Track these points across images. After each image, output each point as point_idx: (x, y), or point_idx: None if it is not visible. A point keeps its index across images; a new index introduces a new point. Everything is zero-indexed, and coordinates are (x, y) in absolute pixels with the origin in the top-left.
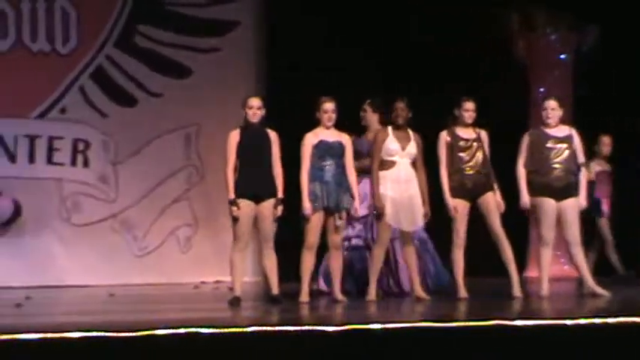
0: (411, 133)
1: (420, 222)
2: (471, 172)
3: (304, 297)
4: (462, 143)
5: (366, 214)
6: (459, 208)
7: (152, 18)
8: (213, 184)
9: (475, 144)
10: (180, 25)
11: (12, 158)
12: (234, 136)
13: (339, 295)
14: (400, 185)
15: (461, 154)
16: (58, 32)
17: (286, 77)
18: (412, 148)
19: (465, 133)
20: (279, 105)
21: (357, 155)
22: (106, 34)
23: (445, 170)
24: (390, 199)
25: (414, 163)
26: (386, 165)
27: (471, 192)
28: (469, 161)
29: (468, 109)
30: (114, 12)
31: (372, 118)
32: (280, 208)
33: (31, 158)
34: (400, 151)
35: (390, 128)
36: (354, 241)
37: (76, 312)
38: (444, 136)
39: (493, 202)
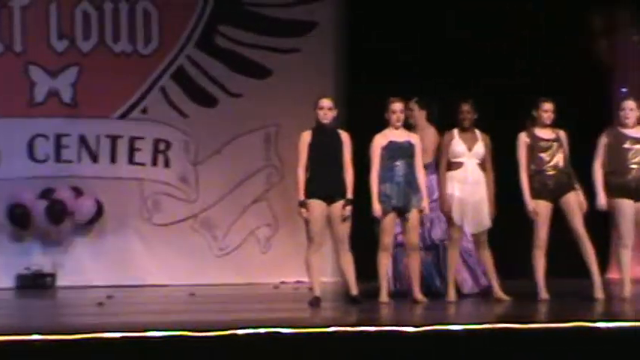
0: (478, 133)
1: (485, 224)
2: (552, 172)
3: (383, 297)
4: (542, 144)
5: None
6: (541, 209)
7: (232, 18)
8: (292, 184)
9: (555, 144)
10: (260, 26)
11: (94, 158)
12: (306, 137)
13: (418, 296)
14: (467, 186)
15: (541, 155)
16: (139, 33)
17: (364, 77)
18: (479, 148)
19: (545, 133)
20: (357, 105)
21: None
22: (187, 34)
23: (525, 173)
24: (457, 199)
25: (483, 165)
26: (453, 166)
27: (553, 192)
28: (550, 162)
29: (547, 110)
30: (195, 13)
31: (419, 115)
32: (349, 209)
33: (113, 158)
34: (467, 152)
35: (455, 130)
36: (399, 238)
37: (157, 311)
38: (523, 138)
39: (575, 202)
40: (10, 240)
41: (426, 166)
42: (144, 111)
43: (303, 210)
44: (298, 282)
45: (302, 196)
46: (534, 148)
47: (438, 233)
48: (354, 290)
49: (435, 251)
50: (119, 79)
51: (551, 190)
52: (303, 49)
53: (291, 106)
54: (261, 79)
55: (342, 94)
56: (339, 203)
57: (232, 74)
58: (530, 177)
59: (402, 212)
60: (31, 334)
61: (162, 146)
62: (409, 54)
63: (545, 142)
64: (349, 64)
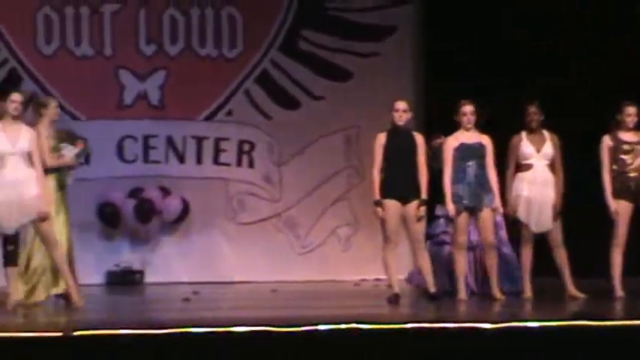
0: (546, 134)
1: (548, 225)
2: (634, 174)
3: (462, 295)
4: (625, 147)
5: None
6: (622, 209)
7: (315, 23)
8: (371, 185)
9: (638, 147)
10: (342, 30)
11: (181, 159)
12: (381, 139)
13: (497, 293)
14: (536, 187)
15: (624, 157)
16: (225, 37)
17: (441, 80)
18: (548, 149)
19: (628, 136)
20: (436, 108)
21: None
22: (271, 38)
23: (608, 174)
24: (524, 198)
25: (552, 165)
26: (523, 168)
27: (634, 193)
28: (632, 164)
29: (630, 114)
30: (278, 17)
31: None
32: (423, 209)
33: (199, 159)
34: (535, 154)
35: (523, 132)
36: (441, 237)
37: (241, 307)
38: (607, 140)
39: None
40: (101, 238)
41: None
42: (229, 113)
43: (379, 209)
44: (377, 280)
45: (377, 196)
46: (617, 150)
47: (476, 235)
48: (432, 288)
49: (472, 252)
50: (205, 83)
51: (633, 191)
52: (383, 52)
53: (371, 108)
54: (343, 82)
55: (420, 97)
56: (414, 203)
57: (314, 77)
58: (613, 178)
59: (474, 212)
60: (120, 328)
61: (246, 147)
62: (484, 56)
63: (629, 144)
64: (427, 67)
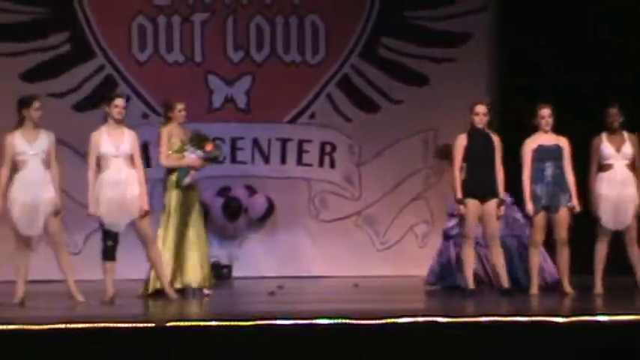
0: (625, 135)
1: (625, 222)
2: None
3: (534, 289)
4: None
5: None
6: None
7: (394, 30)
8: (448, 185)
9: None
10: (420, 37)
11: (266, 159)
12: (461, 140)
13: (567, 288)
14: (615, 185)
15: None
16: (308, 44)
17: (517, 84)
18: (627, 149)
19: None
20: (512, 112)
21: None
22: (352, 45)
23: None
24: (603, 197)
25: (632, 165)
26: (603, 168)
27: None
28: None
29: None
30: (359, 25)
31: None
32: (503, 208)
33: (283, 159)
34: (615, 154)
35: (604, 134)
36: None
37: (324, 300)
38: None
39: None
40: None
41: None
42: (312, 116)
43: (461, 207)
44: None
45: (459, 195)
46: None
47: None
48: (506, 283)
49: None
50: (289, 87)
51: None
52: (459, 58)
53: (447, 111)
54: (420, 86)
55: (496, 100)
56: (493, 202)
57: (393, 82)
58: None
59: (551, 211)
60: (210, 320)
61: (328, 149)
62: (559, 58)
63: None
64: (502, 70)
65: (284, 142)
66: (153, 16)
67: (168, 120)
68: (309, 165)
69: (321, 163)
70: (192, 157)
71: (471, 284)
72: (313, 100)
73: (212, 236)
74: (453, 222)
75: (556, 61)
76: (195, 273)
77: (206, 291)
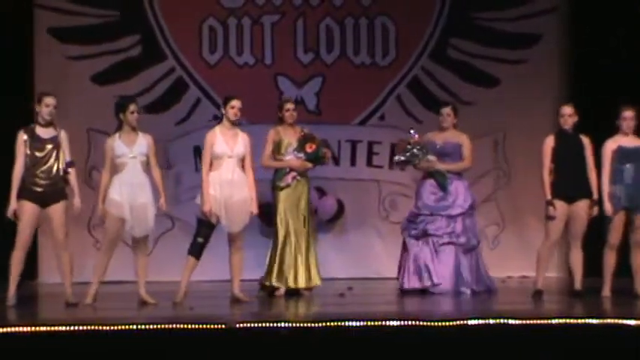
0: None
1: None
2: None
3: (606, 292)
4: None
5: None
6: None
7: (463, 32)
8: (519, 186)
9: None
10: (489, 39)
11: (336, 161)
12: (549, 142)
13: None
14: None
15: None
16: (378, 46)
17: (590, 87)
18: None
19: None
20: (584, 113)
21: None
22: (422, 47)
23: None
24: None
25: None
26: None
27: None
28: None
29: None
30: (429, 27)
31: (452, 120)
32: (596, 209)
33: (353, 161)
34: None
35: None
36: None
37: (393, 302)
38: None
39: None
40: (261, 235)
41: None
42: (382, 118)
43: (551, 208)
44: (523, 277)
45: (549, 196)
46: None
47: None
48: (578, 285)
49: (470, 253)
50: (359, 89)
51: None
52: (530, 59)
53: (518, 113)
54: (490, 87)
55: (567, 101)
56: (582, 202)
57: (463, 83)
58: None
59: (631, 212)
60: (281, 321)
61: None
62: (630, 63)
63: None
64: (572, 73)
65: (354, 143)
66: (223, 19)
67: (279, 120)
68: (379, 167)
69: (390, 165)
70: (289, 158)
71: (540, 284)
72: (383, 101)
73: None
74: (406, 222)
75: (627, 62)
76: (301, 274)
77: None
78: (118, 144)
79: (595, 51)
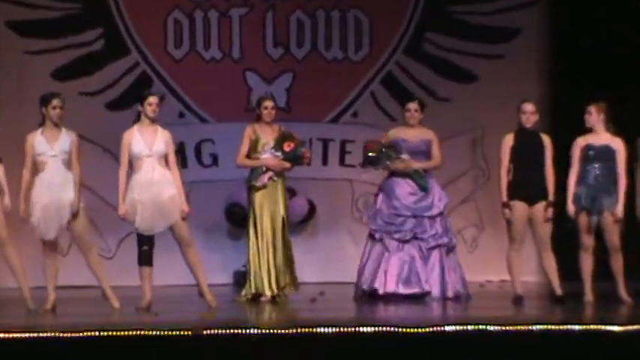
0: None
1: None
2: None
3: (588, 296)
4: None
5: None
6: None
7: (439, 25)
8: (498, 186)
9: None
10: (466, 33)
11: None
12: (508, 140)
13: (624, 295)
14: None
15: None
16: (350, 40)
17: (567, 81)
18: None
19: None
20: (563, 109)
21: None
22: (396, 41)
23: None
24: None
25: None
26: None
27: None
28: None
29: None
30: (403, 20)
31: (418, 116)
32: (551, 211)
33: (325, 160)
34: None
35: None
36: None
37: (366, 308)
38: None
39: None
40: (229, 238)
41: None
42: (354, 115)
43: (507, 211)
44: (503, 281)
45: (505, 198)
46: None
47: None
48: (558, 290)
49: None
50: (331, 85)
51: None
52: (508, 54)
53: (496, 110)
54: (468, 83)
55: (546, 98)
56: (541, 205)
57: (439, 79)
58: None
59: (591, 214)
60: (247, 328)
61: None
62: (612, 58)
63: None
64: (552, 69)
65: (325, 142)
66: (189, 11)
67: (257, 118)
68: (352, 166)
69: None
70: (266, 156)
71: (518, 289)
72: (356, 98)
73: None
74: (381, 222)
75: (610, 58)
76: (282, 279)
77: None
78: (39, 141)
79: (576, 46)
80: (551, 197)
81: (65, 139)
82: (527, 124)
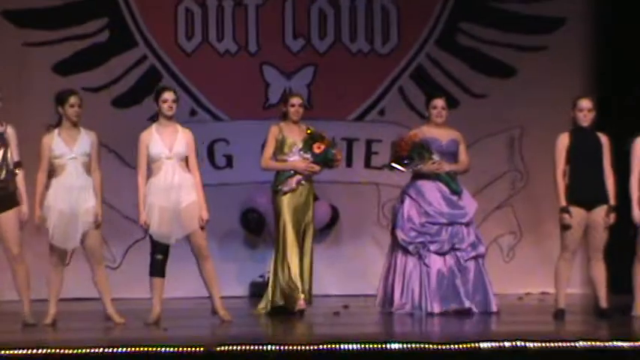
0: None
1: None
2: None
3: (637, 310)
4: None
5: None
6: None
7: (475, 15)
8: (538, 190)
9: None
10: (505, 23)
11: None
12: (564, 140)
13: None
14: None
15: None
16: (377, 31)
17: (619, 76)
18: None
19: None
20: (608, 106)
21: None
22: (427, 32)
23: None
24: None
25: None
26: None
27: None
28: None
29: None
30: (435, 9)
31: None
32: (613, 217)
33: (349, 162)
34: None
35: None
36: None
37: (394, 322)
38: None
39: None
40: (244, 246)
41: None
42: (381, 113)
43: (566, 216)
44: (544, 293)
45: (563, 202)
46: None
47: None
48: (604, 302)
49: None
50: (356, 80)
51: None
52: (551, 46)
53: (537, 107)
54: (505, 78)
55: (592, 94)
56: (601, 209)
57: (474, 74)
58: None
59: None
60: (264, 344)
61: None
62: None
63: None
64: (600, 62)
65: (350, 142)
66: (201, 0)
67: (283, 116)
68: (379, 168)
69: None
70: (294, 159)
71: (562, 303)
72: (383, 94)
73: (268, 249)
74: (413, 233)
75: None
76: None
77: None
78: (56, 142)
79: (626, 37)
80: (612, 201)
81: (85, 140)
82: (584, 122)
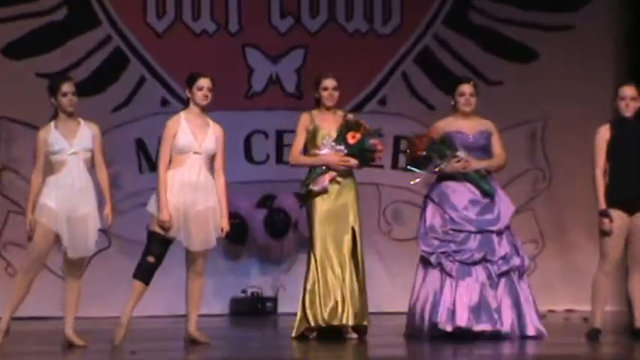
0: None
1: None
2: None
3: None
4: None
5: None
6: None
7: None
8: (563, 192)
9: None
10: None
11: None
12: (604, 133)
13: None
14: None
15: None
16: (377, 8)
17: None
18: None
19: None
20: None
21: None
22: (435, 9)
23: None
24: None
25: None
26: None
27: None
28: None
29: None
30: None
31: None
32: None
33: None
34: None
35: None
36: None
37: (393, 344)
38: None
39: None
40: (225, 257)
41: None
42: (382, 102)
43: (606, 221)
44: (569, 310)
45: (603, 205)
46: None
47: None
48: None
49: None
50: (352, 64)
51: None
52: (577, 26)
53: (562, 96)
54: (525, 63)
55: (623, 80)
56: None
57: (489, 57)
58: None
59: None
60: None
61: (403, 145)
62: None
63: None
64: (632, 44)
65: None
66: None
67: (316, 103)
68: (379, 167)
69: (394, 164)
70: (325, 152)
71: (598, 322)
72: (384, 81)
73: (251, 260)
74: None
75: None
76: (349, 307)
77: (353, 334)
78: (54, 136)
79: None
80: None
81: (86, 133)
82: (627, 112)
